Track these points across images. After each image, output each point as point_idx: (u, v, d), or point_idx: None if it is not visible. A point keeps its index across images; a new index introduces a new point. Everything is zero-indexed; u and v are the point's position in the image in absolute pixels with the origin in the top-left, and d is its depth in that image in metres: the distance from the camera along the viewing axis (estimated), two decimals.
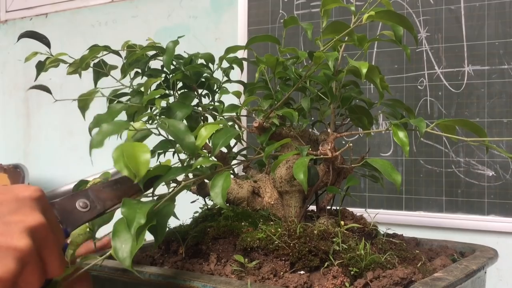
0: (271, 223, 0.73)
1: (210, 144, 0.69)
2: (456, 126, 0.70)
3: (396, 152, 1.41)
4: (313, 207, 0.82)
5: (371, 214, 0.82)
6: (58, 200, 0.58)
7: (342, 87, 0.84)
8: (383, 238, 0.76)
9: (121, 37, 1.92)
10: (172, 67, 0.85)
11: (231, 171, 0.88)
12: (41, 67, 0.85)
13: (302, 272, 0.63)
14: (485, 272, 0.74)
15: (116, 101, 0.82)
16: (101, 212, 0.59)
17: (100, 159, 2.06)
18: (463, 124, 0.68)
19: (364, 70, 0.66)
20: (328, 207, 0.82)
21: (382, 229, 0.91)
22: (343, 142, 1.46)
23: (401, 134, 0.66)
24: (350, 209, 0.83)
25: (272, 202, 0.80)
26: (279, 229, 0.68)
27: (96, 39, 1.96)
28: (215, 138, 0.65)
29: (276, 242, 0.66)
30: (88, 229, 0.58)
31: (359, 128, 0.85)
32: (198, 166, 0.63)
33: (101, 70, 0.86)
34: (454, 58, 1.36)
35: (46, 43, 0.84)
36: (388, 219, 1.39)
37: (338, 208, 0.82)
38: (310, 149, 0.75)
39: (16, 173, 1.77)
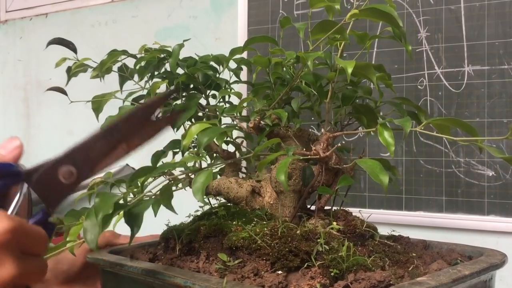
0: (264, 222, 0.73)
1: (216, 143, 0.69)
2: (453, 126, 0.69)
3: (396, 152, 1.41)
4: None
5: (366, 214, 0.81)
6: (38, 174, 0.51)
7: (349, 85, 0.84)
8: (376, 240, 0.75)
9: (121, 37, 1.93)
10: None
11: (242, 170, 0.89)
12: (70, 71, 0.89)
13: (280, 272, 0.64)
14: (491, 278, 0.73)
15: (129, 103, 0.87)
16: (89, 177, 0.52)
17: None
18: (454, 123, 0.67)
19: (350, 70, 0.65)
20: (329, 207, 0.82)
21: (386, 230, 0.91)
22: (343, 142, 1.46)
23: (386, 134, 0.65)
24: (351, 209, 0.83)
25: (272, 202, 0.80)
26: (265, 229, 0.69)
27: (96, 39, 1.97)
28: (201, 136, 0.67)
29: (258, 242, 0.66)
30: None
31: (360, 128, 0.85)
32: (188, 164, 0.66)
33: (124, 74, 0.90)
34: (454, 58, 1.36)
35: (73, 49, 0.88)
36: (388, 219, 1.39)
37: (335, 208, 0.82)
38: (304, 149, 0.75)
39: None
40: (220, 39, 1.75)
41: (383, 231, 0.89)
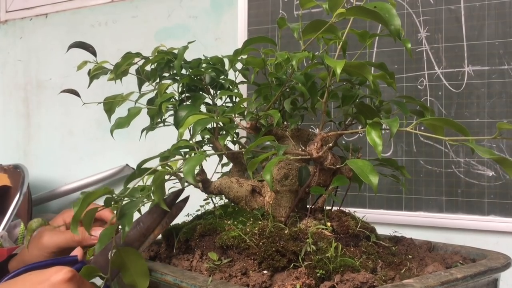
0: (259, 222, 0.73)
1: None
2: (444, 125, 0.69)
3: (396, 152, 1.41)
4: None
5: (362, 215, 0.81)
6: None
7: (358, 85, 0.84)
8: (371, 241, 0.75)
9: (121, 37, 1.93)
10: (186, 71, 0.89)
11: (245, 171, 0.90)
12: (90, 74, 0.92)
13: (265, 271, 0.64)
14: (496, 280, 0.72)
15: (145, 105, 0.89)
16: (144, 230, 0.73)
17: (101, 160, 2.06)
18: (445, 123, 0.67)
19: (339, 70, 0.65)
20: (329, 207, 0.82)
21: (387, 231, 0.90)
22: (343, 142, 1.46)
23: (374, 134, 0.64)
24: (351, 209, 0.82)
25: (271, 202, 0.80)
26: (255, 229, 0.69)
27: (96, 39, 1.96)
28: (196, 124, 0.70)
29: (247, 241, 0.67)
30: (41, 219, 0.73)
31: (359, 128, 0.85)
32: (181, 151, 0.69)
33: (141, 77, 0.92)
34: (454, 58, 1.36)
35: (93, 52, 0.89)
36: (388, 219, 1.39)
37: (335, 208, 0.82)
38: (300, 149, 0.75)
39: (16, 173, 1.76)
40: (220, 39, 1.75)
41: (383, 231, 0.89)
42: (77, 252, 0.75)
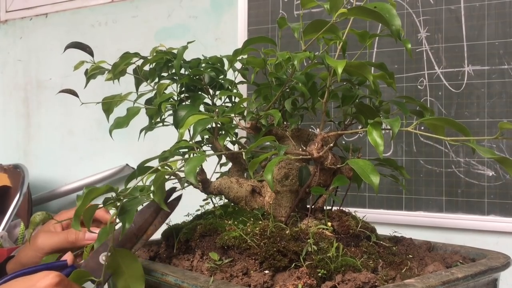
0: (260, 222, 0.73)
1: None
2: (444, 125, 0.69)
3: (396, 152, 1.41)
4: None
5: (362, 215, 0.81)
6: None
7: (358, 85, 0.84)
8: (371, 241, 0.75)
9: (121, 37, 1.93)
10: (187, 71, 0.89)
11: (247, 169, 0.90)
12: (87, 74, 0.92)
13: (267, 271, 0.64)
14: (496, 280, 0.72)
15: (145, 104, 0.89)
16: (135, 231, 0.72)
17: (101, 160, 2.06)
18: (446, 122, 0.67)
19: (340, 69, 0.65)
20: (329, 207, 0.82)
21: (387, 231, 0.90)
22: (343, 142, 1.46)
23: (375, 134, 0.64)
24: (351, 209, 0.83)
25: (271, 202, 0.80)
26: (256, 229, 0.69)
27: (96, 39, 1.96)
28: (196, 124, 0.70)
29: (248, 242, 0.67)
30: (45, 213, 0.75)
31: (359, 128, 0.85)
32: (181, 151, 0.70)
33: (139, 77, 0.92)
34: (454, 58, 1.36)
35: (90, 52, 0.89)
36: (388, 219, 1.39)
37: (335, 208, 0.82)
38: (301, 149, 0.75)
39: (16, 173, 1.76)
40: (220, 39, 1.75)
41: (383, 231, 0.89)
42: (67, 257, 0.74)
